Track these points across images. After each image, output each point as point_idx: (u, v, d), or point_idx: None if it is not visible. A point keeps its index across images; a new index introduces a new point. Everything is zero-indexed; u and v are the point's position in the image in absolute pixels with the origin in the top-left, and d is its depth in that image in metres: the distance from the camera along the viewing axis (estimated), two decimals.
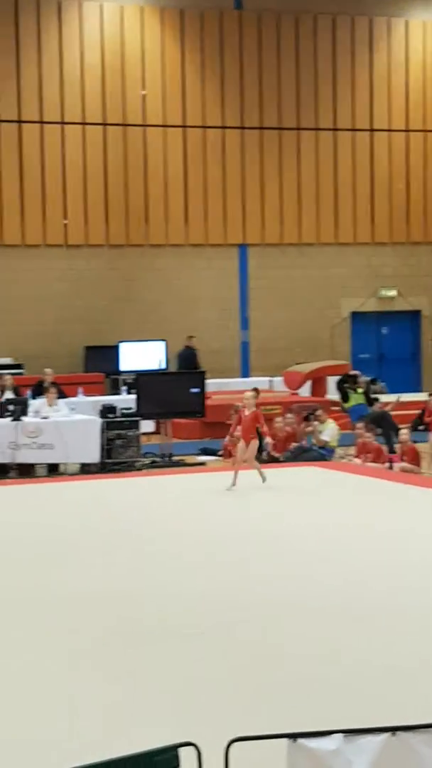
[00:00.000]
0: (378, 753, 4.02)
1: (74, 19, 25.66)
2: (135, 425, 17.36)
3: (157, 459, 17.91)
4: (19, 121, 25.28)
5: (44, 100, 25.51)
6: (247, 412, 14.14)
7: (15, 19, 25.17)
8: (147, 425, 18.92)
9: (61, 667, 6.92)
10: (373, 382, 23.93)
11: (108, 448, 17.05)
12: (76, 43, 25.73)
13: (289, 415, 18.33)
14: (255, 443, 14.22)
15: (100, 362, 25.04)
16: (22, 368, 23.80)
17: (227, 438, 17.12)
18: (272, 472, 16.20)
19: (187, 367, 24.02)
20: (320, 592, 8.72)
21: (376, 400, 19.89)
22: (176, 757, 4.00)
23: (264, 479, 14.06)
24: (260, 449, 17.87)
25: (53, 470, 17.12)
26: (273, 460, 17.28)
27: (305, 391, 23.64)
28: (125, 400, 19.36)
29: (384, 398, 20.83)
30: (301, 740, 3.99)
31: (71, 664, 6.97)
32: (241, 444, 14.10)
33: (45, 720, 5.99)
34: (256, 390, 14.66)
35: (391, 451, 17.49)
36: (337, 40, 27.91)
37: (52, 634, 7.66)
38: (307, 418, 17.73)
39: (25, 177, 25.36)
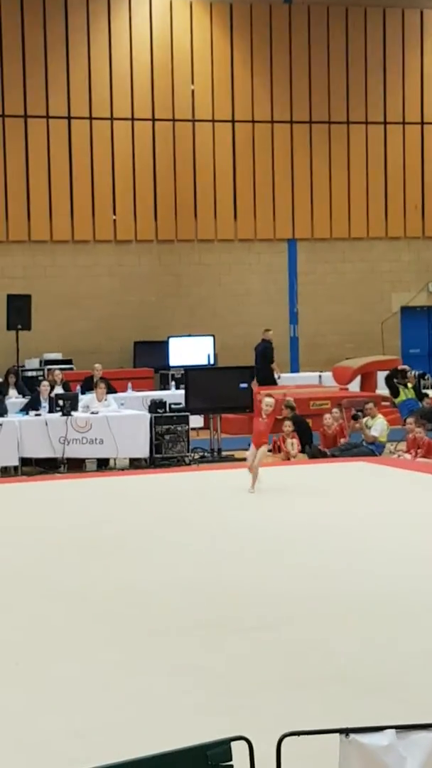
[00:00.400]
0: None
1: (123, 14, 25.72)
2: (184, 420, 17.37)
3: (206, 454, 17.92)
4: (69, 117, 25.39)
5: (93, 96, 25.60)
6: (264, 417, 13.60)
7: (65, 15, 25.27)
8: (196, 420, 18.93)
9: (113, 660, 6.94)
10: (423, 376, 23.78)
11: (157, 443, 17.09)
12: (126, 39, 25.78)
13: (335, 411, 18.24)
14: (264, 449, 13.78)
15: (150, 357, 25.10)
16: (71, 364, 23.92)
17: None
18: (321, 467, 16.19)
19: (264, 360, 24.09)
20: (371, 587, 8.68)
21: (426, 395, 19.77)
22: (229, 752, 3.99)
23: (252, 491, 13.47)
24: (309, 444, 17.87)
25: (103, 465, 17.20)
26: (321, 456, 17.24)
27: (354, 386, 23.55)
28: (174, 395, 19.39)
29: None
30: (353, 735, 3.96)
31: (123, 656, 6.99)
32: (252, 449, 13.65)
33: (98, 712, 6.01)
34: (270, 395, 14.19)
35: None
36: (388, 32, 27.76)
37: (102, 626, 7.69)
38: (355, 417, 17.64)
39: (74, 173, 25.46)
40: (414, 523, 11.39)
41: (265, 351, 24.51)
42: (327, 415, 17.93)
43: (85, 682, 6.55)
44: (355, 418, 17.58)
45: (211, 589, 8.71)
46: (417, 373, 20.47)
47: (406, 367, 20.58)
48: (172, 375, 22.54)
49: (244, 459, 17.68)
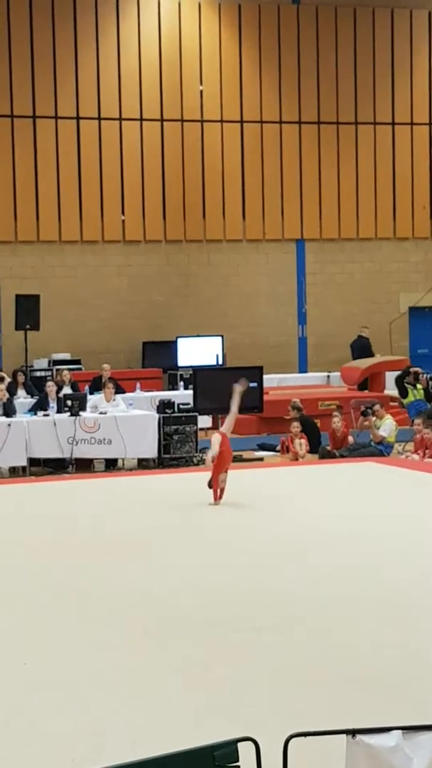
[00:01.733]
0: None
1: (132, 15, 25.74)
2: (192, 420, 17.38)
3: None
4: (77, 118, 25.41)
5: (102, 96, 25.62)
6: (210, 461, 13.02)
7: (73, 16, 25.30)
8: (204, 420, 18.93)
9: (121, 660, 6.95)
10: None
11: (165, 443, 17.10)
12: (134, 39, 25.80)
13: (335, 413, 18.16)
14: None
15: (158, 358, 25.12)
16: (80, 364, 23.95)
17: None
18: (329, 468, 16.18)
19: (361, 355, 24.55)
20: (379, 587, 8.69)
21: None
22: (235, 752, 4.01)
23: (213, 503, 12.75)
24: (318, 444, 17.87)
25: (111, 465, 17.22)
26: (329, 456, 17.24)
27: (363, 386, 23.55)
28: (183, 395, 19.40)
29: None
30: (360, 736, 3.97)
31: (131, 657, 7.00)
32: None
33: (105, 713, 6.03)
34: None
35: None
36: (396, 32, 27.74)
37: (109, 626, 7.70)
38: (364, 414, 17.63)
39: (83, 174, 25.48)
40: (422, 524, 11.39)
41: (362, 347, 25.01)
42: (335, 418, 17.89)
43: (93, 682, 6.57)
44: (364, 414, 17.55)
45: (218, 590, 8.72)
46: (429, 376, 20.45)
47: (418, 369, 20.55)
48: (181, 375, 22.55)
49: (259, 459, 17.76)
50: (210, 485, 12.75)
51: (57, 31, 25.18)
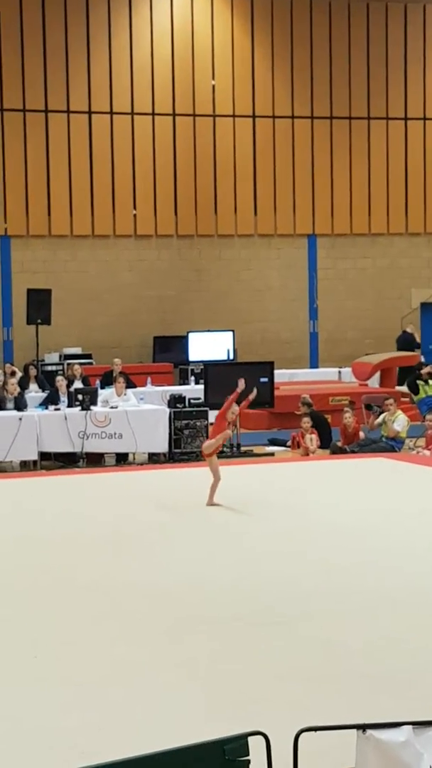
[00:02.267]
0: None
1: (144, 10, 25.73)
2: (203, 415, 17.38)
3: (225, 449, 17.89)
4: (90, 112, 25.42)
5: (114, 91, 25.62)
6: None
7: (86, 10, 25.30)
8: (215, 415, 18.90)
9: (130, 654, 6.96)
10: None
11: (176, 437, 17.10)
12: (146, 34, 25.79)
13: (346, 409, 18.14)
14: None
15: (169, 352, 25.13)
16: (91, 358, 23.97)
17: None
18: (340, 463, 16.17)
19: (405, 349, 24.92)
20: (390, 583, 8.68)
21: None
22: (246, 746, 4.01)
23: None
24: (329, 440, 17.86)
25: (122, 460, 17.23)
26: (341, 452, 17.23)
27: (374, 382, 23.52)
28: (193, 390, 19.40)
29: None
30: (370, 731, 3.97)
31: (140, 651, 7.01)
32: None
33: (115, 706, 6.03)
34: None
35: None
36: (409, 27, 27.68)
37: (118, 621, 7.71)
38: (368, 408, 17.59)
39: (95, 168, 25.50)
40: None
41: (406, 342, 25.33)
42: (347, 414, 17.87)
43: (101, 676, 6.57)
44: (368, 408, 17.52)
45: (228, 584, 8.71)
46: None
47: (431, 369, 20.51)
48: (192, 370, 22.54)
49: (270, 454, 17.75)
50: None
51: (69, 25, 25.18)
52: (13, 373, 19.69)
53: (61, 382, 17.95)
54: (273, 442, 18.70)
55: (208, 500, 12.21)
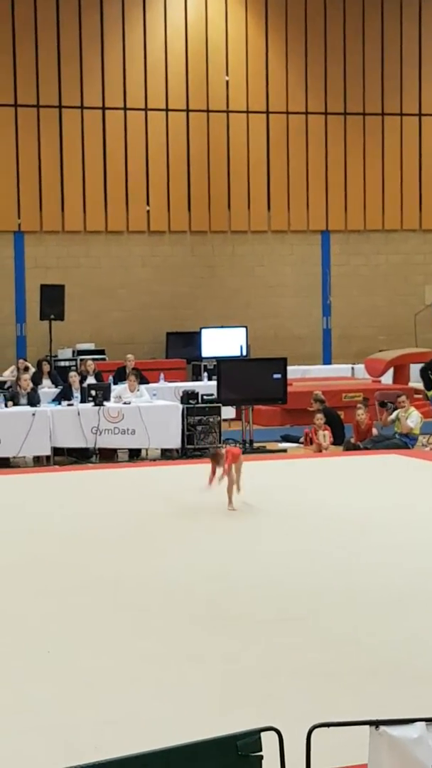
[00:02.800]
0: None
1: (158, 5, 25.71)
2: (216, 411, 17.38)
3: (238, 445, 17.89)
4: (103, 108, 25.43)
5: (128, 87, 25.62)
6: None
7: (100, 5, 25.30)
8: (228, 411, 18.94)
9: (143, 650, 6.97)
10: None
11: (189, 434, 17.10)
12: (160, 29, 25.77)
13: (359, 405, 18.11)
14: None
15: (182, 348, 25.13)
16: (104, 354, 23.99)
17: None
18: (352, 459, 16.15)
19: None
20: (402, 579, 8.67)
21: None
22: (258, 742, 4.01)
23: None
24: (342, 436, 17.84)
25: (135, 455, 17.24)
26: (354, 448, 17.22)
27: (387, 378, 23.49)
28: (206, 386, 19.39)
29: None
30: (383, 728, 3.97)
31: (152, 647, 7.02)
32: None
33: (128, 702, 6.04)
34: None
35: None
36: (423, 23, 27.59)
37: (130, 616, 7.72)
38: (382, 405, 17.55)
39: (108, 164, 25.50)
40: None
41: None
42: (360, 410, 17.84)
43: (115, 671, 6.58)
44: (382, 405, 17.48)
45: (240, 581, 8.72)
46: None
47: None
48: (205, 366, 22.54)
49: (282, 450, 17.74)
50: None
51: (83, 21, 25.19)
52: (26, 369, 19.72)
53: (74, 377, 17.96)
54: (286, 439, 18.69)
55: (228, 505, 11.65)
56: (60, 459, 16.75)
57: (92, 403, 16.77)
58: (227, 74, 26.24)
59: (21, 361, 21.64)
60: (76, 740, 5.49)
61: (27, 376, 17.87)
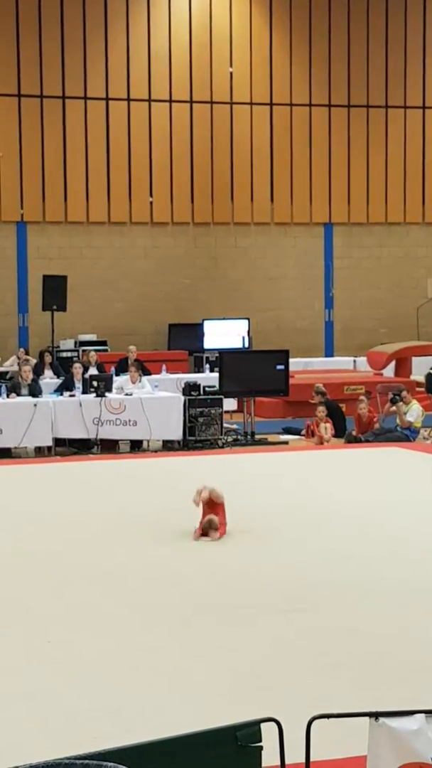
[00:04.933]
0: None
1: None
2: (218, 403, 17.38)
3: (240, 437, 17.92)
4: (107, 99, 25.39)
5: (131, 77, 25.57)
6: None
7: None
8: (230, 403, 18.94)
9: (143, 641, 6.98)
10: None
11: (190, 425, 17.10)
12: (165, 20, 25.72)
13: (362, 398, 18.10)
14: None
15: (184, 340, 25.12)
16: (106, 345, 23.98)
17: None
18: (354, 452, 16.16)
19: None
20: (402, 572, 8.67)
21: None
22: (258, 733, 4.02)
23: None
24: (343, 429, 17.84)
25: (136, 447, 17.24)
26: (355, 441, 17.22)
27: (389, 371, 23.48)
28: (208, 377, 19.40)
29: None
30: (383, 719, 3.98)
31: (153, 638, 7.03)
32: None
33: (128, 692, 6.05)
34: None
35: None
36: (428, 15, 27.52)
37: (132, 607, 7.73)
38: (393, 401, 17.55)
39: (111, 155, 25.46)
40: None
41: None
42: (362, 404, 17.81)
43: (116, 662, 6.59)
44: (393, 401, 17.47)
45: (241, 573, 8.73)
46: None
47: None
48: (207, 358, 22.54)
49: (284, 442, 17.74)
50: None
51: (87, 11, 25.13)
52: (26, 361, 19.74)
53: (77, 369, 17.95)
54: (287, 431, 18.69)
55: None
56: (61, 450, 16.75)
57: (94, 394, 16.77)
58: (231, 66, 26.19)
59: (21, 351, 21.65)
60: (75, 730, 5.49)
61: (28, 368, 17.86)
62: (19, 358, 20.87)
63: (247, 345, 24.32)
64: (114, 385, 17.44)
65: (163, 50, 25.75)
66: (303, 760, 4.12)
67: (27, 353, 21.49)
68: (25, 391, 17.04)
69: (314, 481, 13.40)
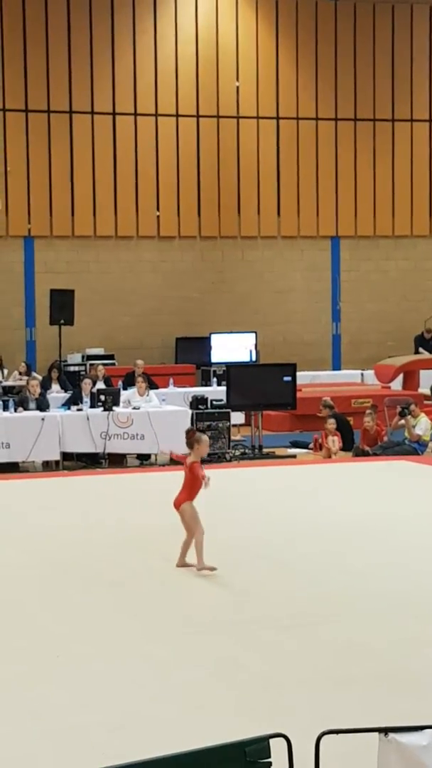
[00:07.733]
0: None
1: (169, 11, 25.73)
2: (225, 417, 17.37)
3: (247, 451, 17.91)
4: (114, 113, 25.45)
5: (138, 92, 25.64)
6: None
7: (111, 10, 25.33)
8: (237, 417, 18.92)
9: (153, 655, 6.95)
10: None
11: None
12: (171, 35, 25.80)
13: (369, 411, 18.06)
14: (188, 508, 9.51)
15: (191, 353, 25.12)
16: (113, 359, 23.99)
17: None
18: (362, 465, 16.13)
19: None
20: (412, 586, 8.65)
21: None
22: (267, 748, 3.99)
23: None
24: (351, 442, 17.81)
25: (144, 460, 17.23)
26: (363, 454, 17.19)
27: (397, 384, 23.46)
28: (216, 391, 19.39)
29: None
30: (392, 735, 3.95)
31: (163, 652, 7.01)
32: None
33: (137, 707, 6.03)
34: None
35: None
36: None
37: (141, 621, 7.71)
38: (402, 414, 17.52)
39: (118, 169, 25.52)
40: None
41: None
42: (367, 418, 17.77)
43: (125, 676, 6.57)
44: (402, 414, 17.44)
45: (249, 587, 8.71)
46: None
47: None
48: (214, 371, 22.53)
49: (291, 456, 17.70)
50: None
51: (94, 26, 25.23)
52: (28, 373, 19.74)
53: (86, 384, 17.93)
54: (295, 444, 18.67)
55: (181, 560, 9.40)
56: (69, 464, 16.75)
57: (101, 408, 16.78)
58: (237, 80, 26.26)
59: (22, 365, 21.66)
60: (84, 746, 5.48)
61: (36, 382, 17.87)
62: (20, 372, 20.92)
63: (254, 358, 24.31)
64: (121, 399, 17.45)
65: (170, 65, 25.83)
66: None
67: (28, 367, 21.50)
68: (32, 405, 17.04)
69: (322, 494, 13.38)
